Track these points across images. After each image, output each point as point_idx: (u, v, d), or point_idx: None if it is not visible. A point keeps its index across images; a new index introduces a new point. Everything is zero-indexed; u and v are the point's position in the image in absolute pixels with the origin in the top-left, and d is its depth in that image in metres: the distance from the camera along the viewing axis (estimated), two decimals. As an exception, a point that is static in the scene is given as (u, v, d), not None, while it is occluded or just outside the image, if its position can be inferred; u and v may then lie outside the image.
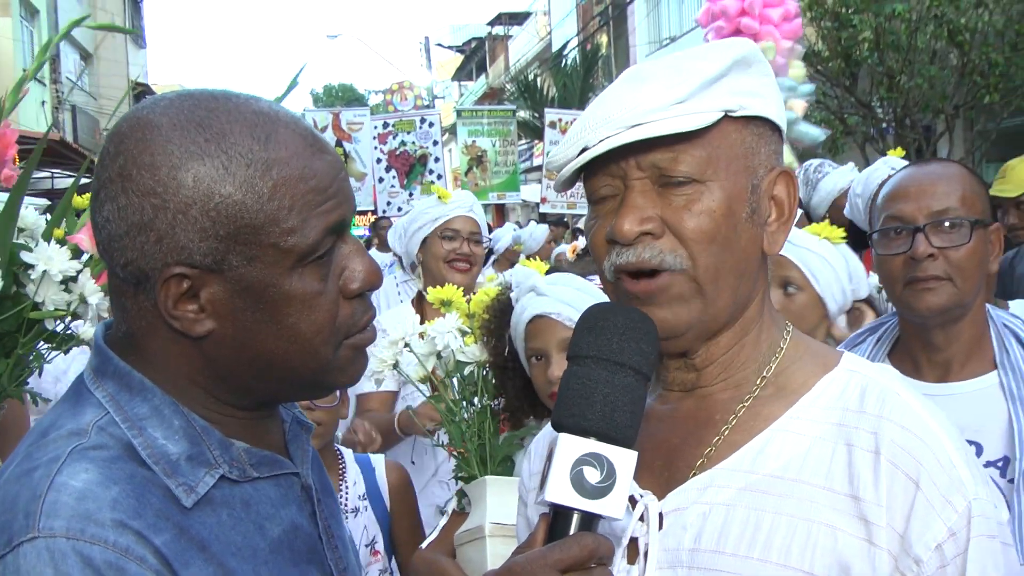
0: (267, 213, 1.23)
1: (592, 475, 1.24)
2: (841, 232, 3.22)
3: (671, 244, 1.34)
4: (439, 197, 4.37)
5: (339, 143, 12.03)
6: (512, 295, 2.74)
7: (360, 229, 20.65)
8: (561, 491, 1.24)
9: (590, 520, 1.25)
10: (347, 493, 2.98)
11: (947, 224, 2.31)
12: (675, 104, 1.31)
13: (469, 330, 2.93)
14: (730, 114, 1.35)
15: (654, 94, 1.32)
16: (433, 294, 3.14)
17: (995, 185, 5.30)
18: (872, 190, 4.84)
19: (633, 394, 1.28)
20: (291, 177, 1.25)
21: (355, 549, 1.58)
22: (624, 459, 1.26)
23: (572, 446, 1.26)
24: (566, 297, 2.57)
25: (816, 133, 7.13)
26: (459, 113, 13.36)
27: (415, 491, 3.23)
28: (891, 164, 4.92)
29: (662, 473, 1.41)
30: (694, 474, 1.38)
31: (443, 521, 2.84)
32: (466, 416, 2.83)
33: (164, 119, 1.24)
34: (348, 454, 3.11)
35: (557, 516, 1.26)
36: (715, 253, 1.34)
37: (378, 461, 3.15)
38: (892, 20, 10.92)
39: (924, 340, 2.40)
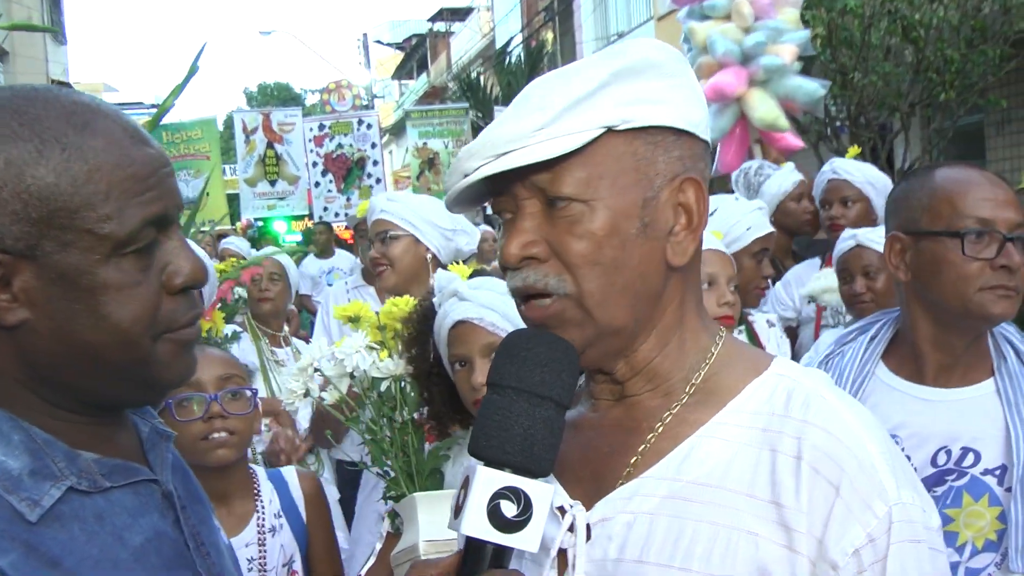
0: (82, 197, 1.24)
1: (509, 509, 1.28)
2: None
3: (556, 268, 1.36)
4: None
5: (271, 145, 11.91)
6: (435, 300, 2.72)
7: (295, 234, 20.43)
8: (477, 525, 1.27)
9: (503, 552, 1.30)
10: (264, 513, 2.96)
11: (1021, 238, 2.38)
12: (536, 131, 1.32)
13: (379, 346, 2.89)
14: (614, 128, 1.34)
15: (518, 122, 1.34)
16: (339, 311, 3.12)
17: None
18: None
19: (553, 426, 1.32)
20: (108, 163, 1.27)
21: (235, 557, 1.60)
22: (541, 493, 1.29)
23: (490, 479, 1.29)
24: (489, 302, 2.56)
25: (812, 87, 6.55)
26: (408, 114, 13.26)
27: (328, 502, 3.22)
28: (836, 166, 5.13)
29: (591, 482, 1.43)
30: (621, 483, 1.39)
31: (378, 545, 2.82)
32: (388, 434, 2.80)
33: None
34: (260, 471, 3.09)
35: (472, 547, 1.30)
36: (600, 276, 1.35)
37: (289, 474, 3.13)
38: (845, 16, 11.01)
39: (943, 344, 2.44)
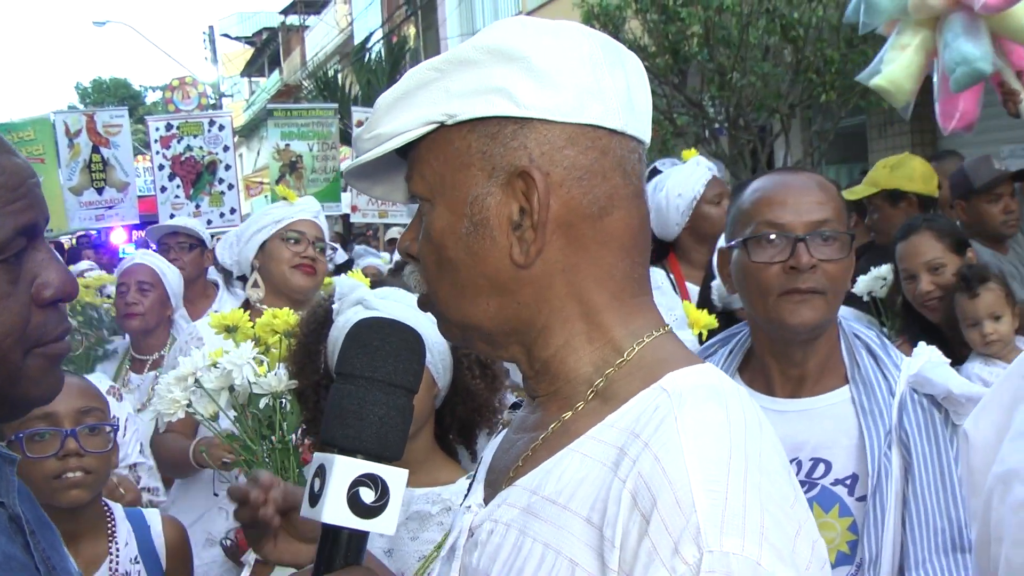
0: None
1: (367, 495, 1.39)
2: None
3: (419, 267, 1.45)
4: (284, 198, 4.38)
5: (96, 149, 11.47)
6: (334, 307, 2.66)
7: (131, 246, 19.77)
8: (338, 512, 1.38)
9: (361, 537, 1.42)
10: (118, 556, 2.86)
11: (827, 236, 2.40)
12: (368, 134, 1.42)
13: (264, 359, 2.85)
14: (446, 124, 1.36)
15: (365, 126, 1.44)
16: (215, 319, 3.07)
17: (859, 189, 5.76)
18: (698, 192, 4.93)
19: (404, 412, 1.44)
20: None
21: None
22: (397, 477, 1.41)
23: (349, 467, 1.39)
24: (398, 313, 2.45)
25: (972, 52, 4.83)
26: (271, 112, 12.90)
27: (191, 551, 3.16)
28: (705, 164, 5.13)
29: (492, 487, 1.46)
30: (503, 489, 1.41)
31: (245, 574, 2.73)
32: (266, 457, 2.73)
33: None
34: (118, 509, 2.99)
35: (330, 535, 1.42)
36: (442, 276, 1.41)
37: (153, 518, 3.04)
38: (722, 14, 11.21)
39: (781, 355, 2.49)
